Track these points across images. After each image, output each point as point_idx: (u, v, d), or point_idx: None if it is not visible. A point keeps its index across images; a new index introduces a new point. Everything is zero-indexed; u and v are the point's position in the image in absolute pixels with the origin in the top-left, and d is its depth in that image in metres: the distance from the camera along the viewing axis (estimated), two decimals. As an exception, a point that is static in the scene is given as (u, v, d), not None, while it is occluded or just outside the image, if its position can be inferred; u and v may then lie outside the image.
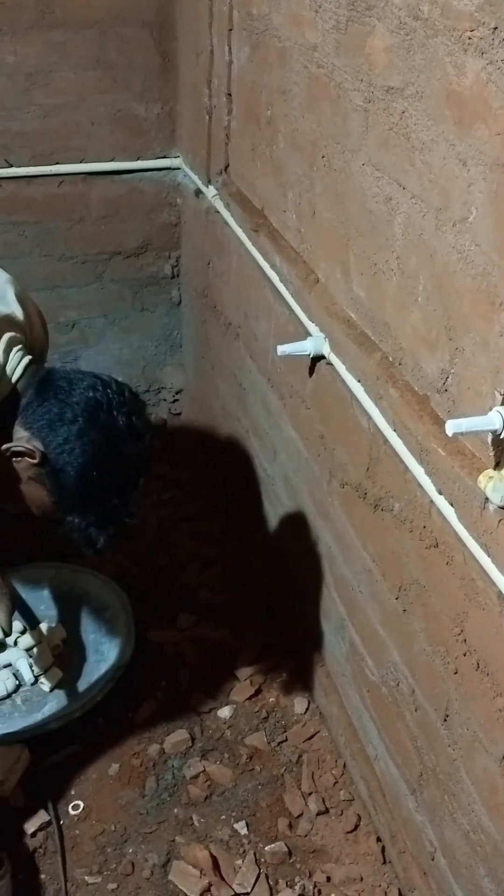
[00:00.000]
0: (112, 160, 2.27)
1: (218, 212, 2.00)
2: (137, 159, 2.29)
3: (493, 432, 1.02)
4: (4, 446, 1.35)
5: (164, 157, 2.31)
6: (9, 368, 1.36)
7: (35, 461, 1.34)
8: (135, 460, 1.39)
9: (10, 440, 1.35)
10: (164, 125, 2.26)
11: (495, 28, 0.92)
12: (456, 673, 1.22)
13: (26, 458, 1.34)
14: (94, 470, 1.33)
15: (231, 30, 1.77)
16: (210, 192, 2.05)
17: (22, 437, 1.35)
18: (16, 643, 1.91)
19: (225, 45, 1.81)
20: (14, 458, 1.36)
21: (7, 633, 1.63)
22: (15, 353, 1.36)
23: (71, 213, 2.31)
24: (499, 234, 0.98)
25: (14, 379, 1.36)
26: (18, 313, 1.42)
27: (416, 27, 1.07)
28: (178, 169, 2.31)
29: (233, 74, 1.82)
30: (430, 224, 1.12)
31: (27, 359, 1.39)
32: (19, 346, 1.38)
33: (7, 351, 1.35)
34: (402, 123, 1.14)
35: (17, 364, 1.36)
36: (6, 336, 1.35)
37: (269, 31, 1.57)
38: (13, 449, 1.34)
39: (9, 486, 1.39)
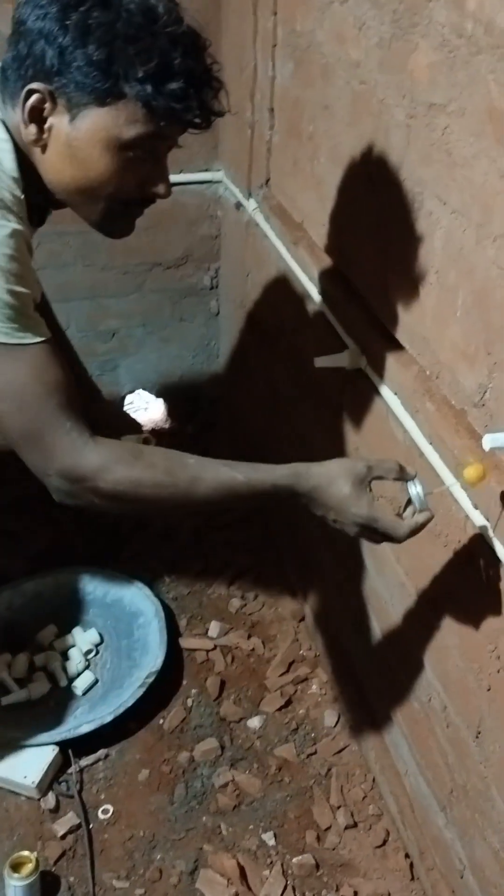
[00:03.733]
0: (155, 173, 2.30)
1: (258, 224, 2.02)
2: (180, 172, 2.31)
3: (531, 448, 1.02)
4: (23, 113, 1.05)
5: (207, 171, 2.33)
6: None
7: (46, 94, 1.04)
8: None
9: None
10: (207, 139, 2.28)
11: (539, 46, 0.93)
12: (489, 690, 1.21)
13: (42, 106, 1.05)
14: (96, 26, 0.99)
15: (275, 46, 1.79)
16: (251, 205, 2.07)
17: (19, 102, 1.06)
18: (51, 646, 1.94)
19: (269, 60, 1.83)
20: (38, 126, 1.07)
21: None
22: None
23: (114, 224, 2.34)
24: (539, 249, 0.98)
25: None
26: None
27: (460, 45, 1.08)
28: (220, 182, 2.34)
29: (276, 90, 1.84)
30: (470, 239, 1.12)
31: None
32: None
33: None
34: (444, 139, 1.15)
35: None
36: None
37: (313, 48, 1.59)
38: (26, 113, 1.05)
39: None
